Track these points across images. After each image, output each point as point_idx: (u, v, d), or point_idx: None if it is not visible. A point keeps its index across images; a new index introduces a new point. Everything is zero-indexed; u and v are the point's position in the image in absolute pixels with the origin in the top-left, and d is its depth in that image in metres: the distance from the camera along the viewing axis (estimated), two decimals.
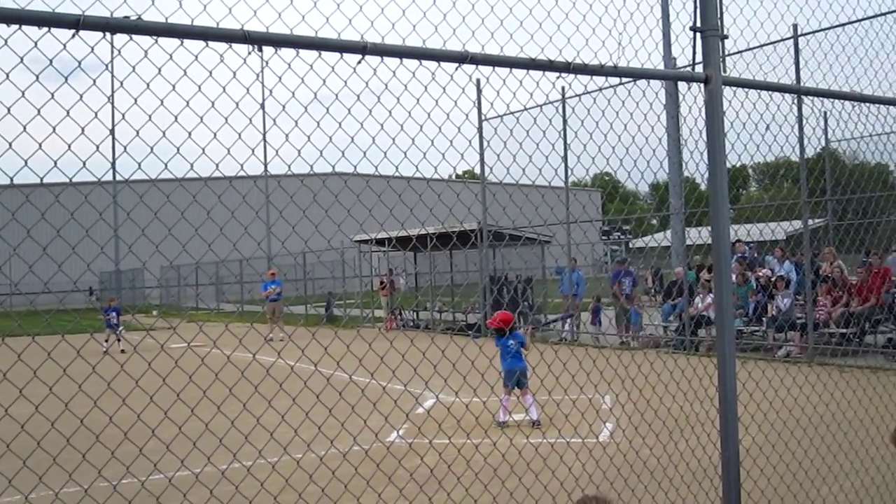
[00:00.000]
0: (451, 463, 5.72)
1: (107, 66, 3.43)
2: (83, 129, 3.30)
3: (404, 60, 3.84)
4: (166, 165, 3.70)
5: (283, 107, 3.97)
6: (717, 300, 4.44)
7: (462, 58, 3.88)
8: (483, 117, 21.19)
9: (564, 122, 18.72)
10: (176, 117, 3.49)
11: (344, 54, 3.68)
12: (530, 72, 4.22)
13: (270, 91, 3.90)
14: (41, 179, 3.43)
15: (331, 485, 5.60)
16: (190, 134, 3.60)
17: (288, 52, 3.61)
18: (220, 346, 4.57)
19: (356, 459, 5.74)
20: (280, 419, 4.82)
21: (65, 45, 3.12)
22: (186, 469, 5.07)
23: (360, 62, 3.73)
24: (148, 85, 3.38)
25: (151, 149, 3.61)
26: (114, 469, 4.89)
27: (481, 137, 21.58)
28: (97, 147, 3.49)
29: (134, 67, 3.34)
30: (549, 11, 4.55)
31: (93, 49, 3.23)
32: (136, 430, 4.65)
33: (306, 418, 4.81)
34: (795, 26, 15.41)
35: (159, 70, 3.40)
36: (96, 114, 3.32)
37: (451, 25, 4.06)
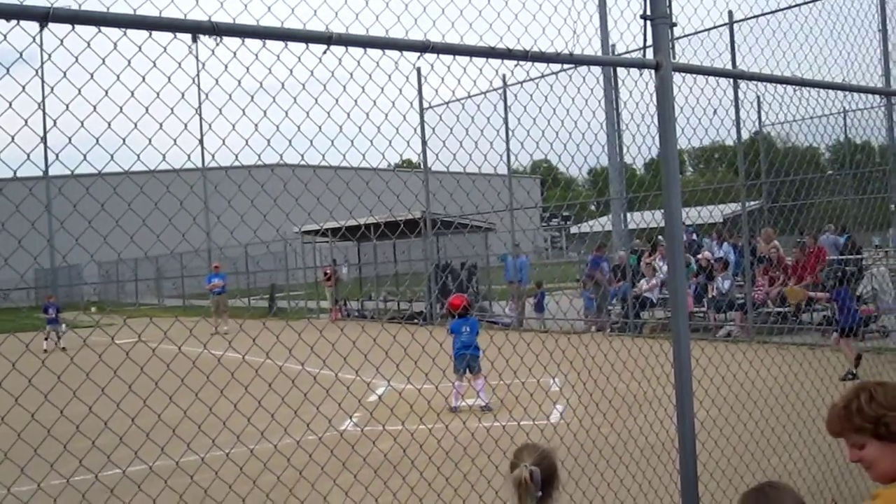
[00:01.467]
0: (406, 448, 5.77)
1: (49, 56, 3.39)
2: (49, 124, 3.27)
3: (350, 49, 3.86)
4: (112, 157, 3.67)
5: (230, 96, 3.96)
6: (671, 280, 4.54)
7: (424, 47, 3.92)
8: (429, 104, 21.19)
9: (506, 109, 18.85)
10: (121, 108, 3.47)
11: (289, 43, 3.69)
12: (473, 59, 4.27)
13: (216, 80, 3.89)
14: None
15: (286, 473, 5.61)
16: (135, 124, 3.57)
17: (234, 42, 3.61)
18: (170, 338, 4.55)
19: (310, 447, 5.76)
20: (233, 409, 4.82)
21: (5, 36, 3.09)
22: (141, 462, 5.05)
23: (325, 52, 3.76)
24: (119, 77, 3.38)
25: (97, 140, 3.58)
26: (67, 464, 4.86)
27: (423, 125, 21.64)
28: (58, 144, 3.46)
29: (104, 60, 3.33)
30: (506, 1, 4.61)
31: (35, 38, 3.20)
32: (87, 425, 4.61)
33: (259, 408, 4.81)
34: (730, 13, 15.71)
35: (129, 63, 3.40)
36: (39, 105, 3.30)
37: (412, 14, 4.10)
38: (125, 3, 3.25)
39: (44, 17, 3.02)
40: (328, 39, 3.64)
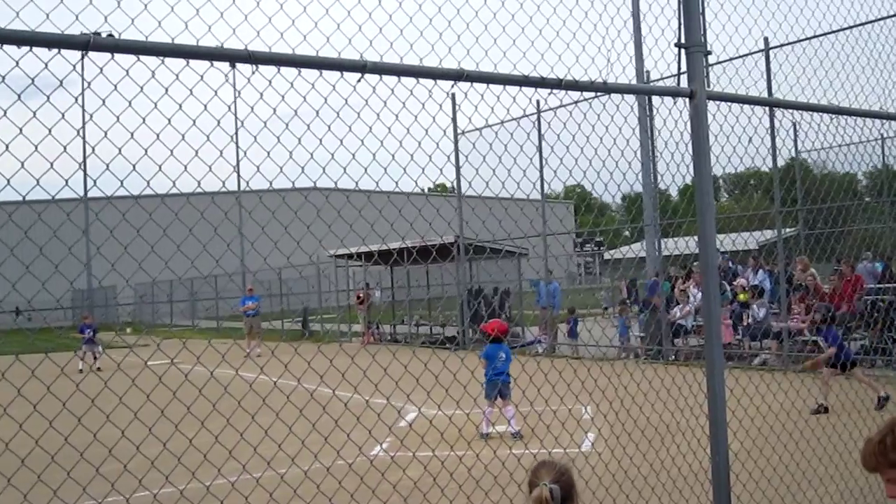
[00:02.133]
0: (436, 475, 5.75)
1: (88, 84, 3.46)
2: (69, 147, 3.33)
3: (384, 77, 3.90)
4: (149, 183, 3.72)
5: (265, 123, 4.02)
6: (705, 308, 4.51)
7: (458, 75, 3.95)
8: (462, 131, 21.25)
9: (540, 134, 18.85)
10: (158, 135, 3.53)
11: (327, 72, 3.74)
12: (505, 87, 4.28)
13: (252, 108, 3.95)
14: (23, 198, 3.45)
15: (315, 499, 5.60)
16: (172, 151, 3.62)
17: (270, 70, 3.67)
18: (202, 362, 4.58)
19: (340, 473, 5.75)
20: (263, 434, 4.83)
21: (46, 65, 3.16)
22: (171, 486, 5.07)
23: (359, 80, 3.81)
24: (155, 104, 3.44)
25: (134, 167, 3.62)
26: (99, 487, 4.89)
27: (457, 151, 21.68)
28: (80, 165, 3.52)
29: (143, 87, 3.40)
30: (540, 30, 4.62)
31: (75, 67, 3.27)
32: (120, 448, 4.64)
33: (290, 433, 4.82)
34: (766, 39, 15.63)
35: (162, 88, 3.46)
36: (78, 132, 3.37)
37: (446, 43, 4.14)
38: (162, 31, 3.31)
39: (84, 45, 3.08)
40: (363, 68, 3.69)
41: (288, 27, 3.69)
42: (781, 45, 15.28)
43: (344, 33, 3.87)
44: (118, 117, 3.39)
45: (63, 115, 3.28)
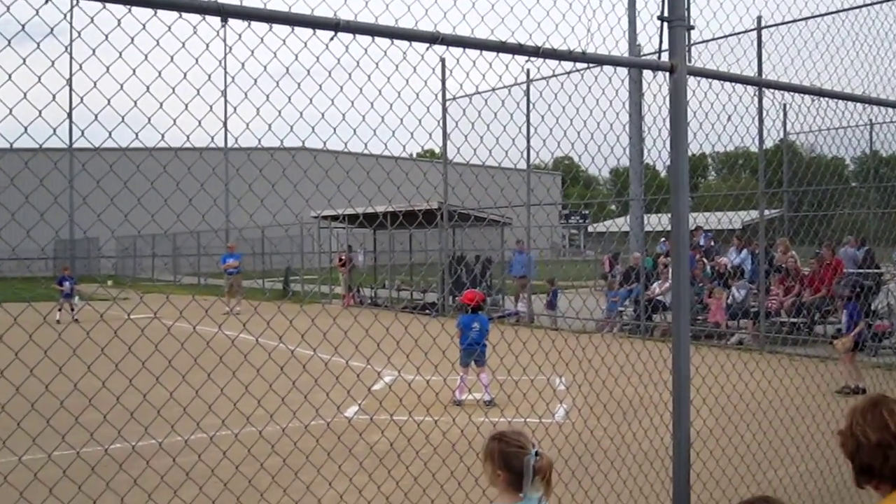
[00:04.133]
0: (411, 438, 5.81)
1: (79, 33, 3.45)
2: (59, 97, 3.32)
3: (376, 39, 3.89)
4: (137, 135, 3.72)
5: (255, 81, 4.01)
6: (675, 284, 4.54)
7: (433, 38, 3.92)
8: (452, 97, 21.16)
9: (529, 104, 18.81)
10: (148, 88, 3.52)
11: (317, 30, 3.71)
12: (498, 54, 4.28)
13: (242, 64, 3.94)
14: (11, 144, 3.46)
15: (291, 457, 5.66)
16: (161, 105, 3.62)
17: (261, 27, 3.64)
18: (185, 317, 4.61)
19: (317, 432, 5.81)
20: (244, 391, 4.87)
21: (37, 11, 3.14)
22: (150, 437, 5.11)
23: (332, 39, 3.77)
24: (121, 54, 3.41)
25: (123, 118, 3.62)
26: (77, 436, 4.92)
27: (444, 117, 21.62)
28: (69, 116, 3.52)
29: (107, 36, 3.36)
30: None
31: (66, 16, 3.26)
32: (99, 399, 4.68)
33: (269, 390, 4.87)
34: (759, 18, 15.63)
35: (132, 39, 3.43)
36: (69, 81, 3.37)
37: (424, 6, 4.11)
38: None
39: None
40: (336, 26, 3.64)
41: None
42: (776, 25, 15.30)
43: None
44: (108, 68, 3.37)
45: (53, 64, 3.27)
